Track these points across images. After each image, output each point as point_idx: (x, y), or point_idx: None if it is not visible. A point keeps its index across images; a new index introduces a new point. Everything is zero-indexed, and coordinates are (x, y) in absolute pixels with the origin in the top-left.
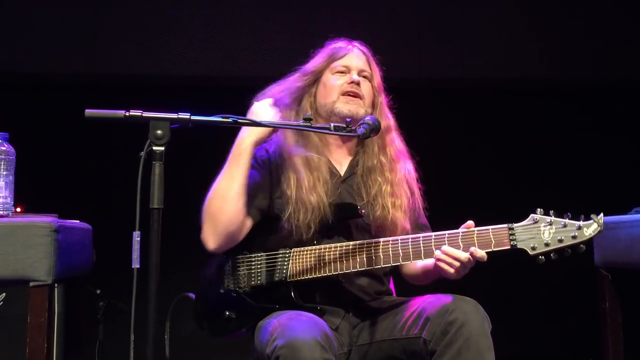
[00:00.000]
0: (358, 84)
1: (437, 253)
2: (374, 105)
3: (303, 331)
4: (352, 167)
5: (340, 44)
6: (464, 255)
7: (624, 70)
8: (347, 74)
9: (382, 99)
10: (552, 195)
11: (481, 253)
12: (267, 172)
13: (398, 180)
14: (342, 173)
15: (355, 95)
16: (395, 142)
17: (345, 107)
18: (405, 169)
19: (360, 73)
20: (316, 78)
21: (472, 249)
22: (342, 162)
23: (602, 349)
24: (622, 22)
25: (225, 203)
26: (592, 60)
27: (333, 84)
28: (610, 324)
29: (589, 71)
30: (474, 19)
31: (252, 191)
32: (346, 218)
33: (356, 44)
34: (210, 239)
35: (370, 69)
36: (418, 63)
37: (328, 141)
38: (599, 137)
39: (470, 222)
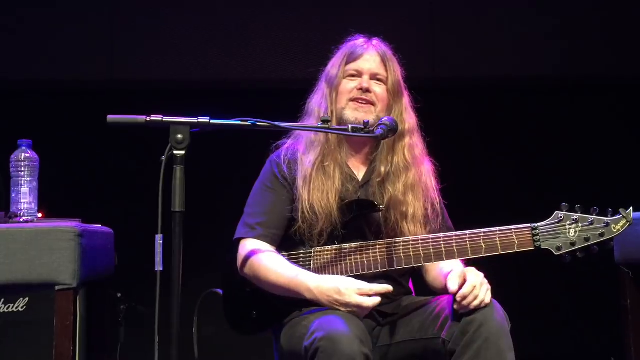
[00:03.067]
0: (367, 90)
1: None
2: (390, 108)
3: (342, 325)
4: (369, 172)
5: (358, 42)
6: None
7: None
8: (359, 77)
9: (403, 100)
10: (571, 192)
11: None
12: (287, 187)
13: (413, 187)
14: (359, 178)
15: (365, 102)
16: (414, 144)
17: (353, 114)
18: (423, 173)
19: (373, 77)
20: (333, 84)
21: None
22: (360, 167)
23: (623, 347)
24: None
25: (265, 287)
26: (609, 55)
27: (343, 89)
28: (632, 322)
29: (605, 67)
30: (488, 16)
31: (279, 223)
32: (364, 214)
33: (374, 42)
34: (242, 274)
35: (386, 71)
36: (432, 62)
37: (347, 146)
38: (617, 133)
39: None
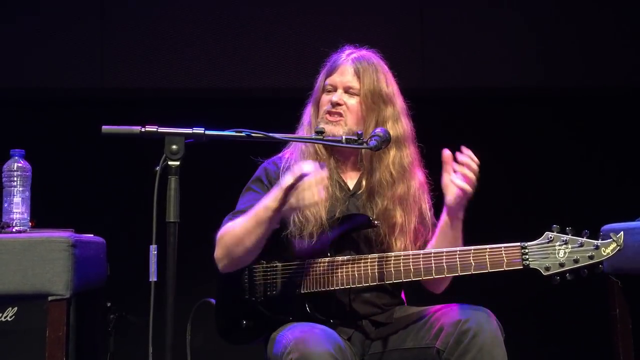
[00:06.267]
0: (337, 104)
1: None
2: (364, 119)
3: (316, 344)
4: (359, 182)
5: (340, 55)
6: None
7: (631, 76)
8: (334, 91)
9: (387, 109)
10: (559, 203)
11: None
12: None
13: (402, 200)
14: (350, 187)
15: (334, 114)
16: (403, 156)
17: (325, 127)
18: (412, 186)
19: (346, 89)
20: (315, 97)
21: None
22: (351, 176)
23: (612, 355)
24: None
25: (241, 247)
26: (593, 66)
27: (322, 103)
28: (621, 331)
29: (584, 78)
30: (479, 26)
31: None
32: (359, 228)
33: (354, 55)
34: (221, 263)
35: (359, 82)
36: (422, 72)
37: (336, 156)
38: (602, 143)
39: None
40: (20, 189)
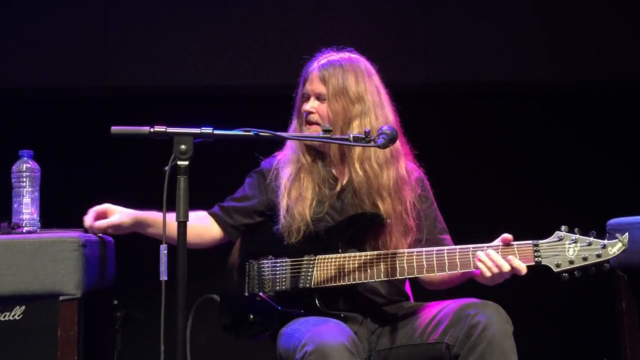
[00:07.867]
0: (310, 112)
1: (480, 254)
2: (336, 122)
3: (332, 336)
4: (348, 181)
5: (312, 62)
6: (505, 265)
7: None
8: (308, 100)
9: (356, 107)
10: (564, 197)
11: (518, 264)
12: (263, 190)
13: (381, 196)
14: (343, 184)
15: (311, 124)
16: (378, 152)
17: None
18: (391, 178)
19: (317, 96)
20: (297, 104)
21: (511, 257)
22: (343, 174)
23: (618, 349)
24: None
25: None
26: (599, 61)
27: (302, 111)
28: (627, 325)
29: (589, 73)
30: (481, 22)
31: (232, 212)
32: (368, 225)
33: (323, 59)
34: None
35: (326, 87)
36: (424, 68)
37: (321, 156)
38: (608, 138)
39: (508, 236)
40: (30, 189)
